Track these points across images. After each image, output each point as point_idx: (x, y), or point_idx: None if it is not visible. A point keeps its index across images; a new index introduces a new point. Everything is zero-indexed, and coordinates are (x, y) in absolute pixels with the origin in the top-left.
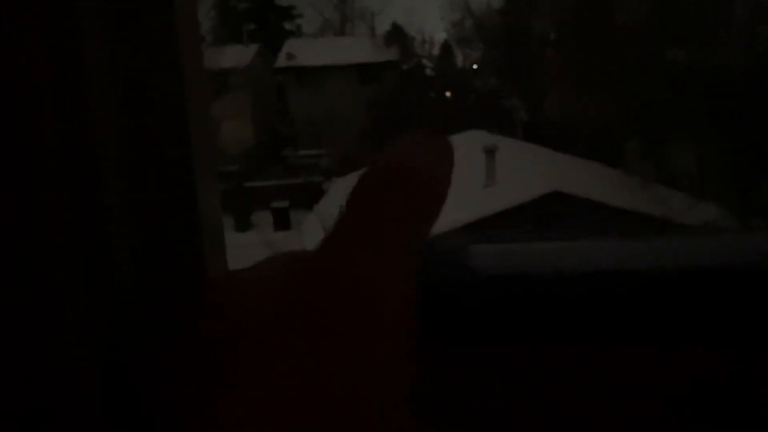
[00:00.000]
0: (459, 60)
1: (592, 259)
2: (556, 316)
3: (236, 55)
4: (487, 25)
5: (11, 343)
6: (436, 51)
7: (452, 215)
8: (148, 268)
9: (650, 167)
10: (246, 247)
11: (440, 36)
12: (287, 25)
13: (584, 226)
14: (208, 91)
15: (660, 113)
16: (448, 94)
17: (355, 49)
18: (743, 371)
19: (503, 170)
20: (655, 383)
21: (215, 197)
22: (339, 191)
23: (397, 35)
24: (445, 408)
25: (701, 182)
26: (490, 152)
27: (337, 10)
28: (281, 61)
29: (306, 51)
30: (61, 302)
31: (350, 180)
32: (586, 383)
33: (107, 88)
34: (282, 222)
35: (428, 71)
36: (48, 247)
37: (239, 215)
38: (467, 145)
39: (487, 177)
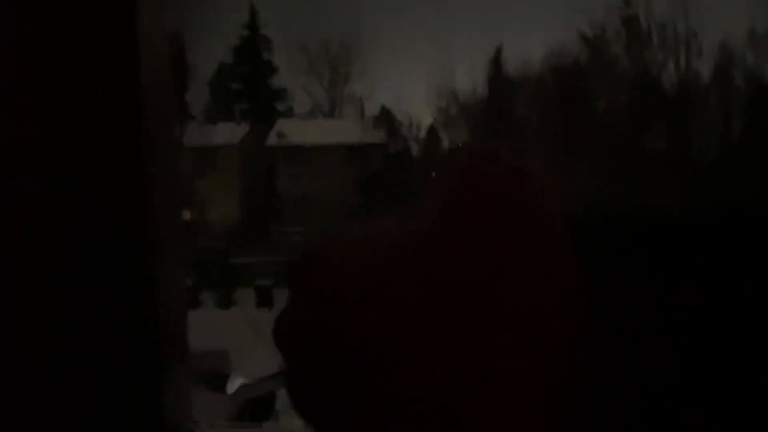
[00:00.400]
0: (445, 143)
1: None
2: None
3: (227, 133)
4: (472, 112)
5: None
6: (422, 134)
7: None
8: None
9: None
10: (227, 324)
11: (427, 120)
12: (279, 106)
13: None
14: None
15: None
16: (434, 174)
17: (343, 131)
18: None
19: None
20: None
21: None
22: None
23: (385, 119)
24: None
25: None
26: None
27: (328, 94)
28: (272, 140)
29: (297, 131)
30: None
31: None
32: None
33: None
34: (264, 300)
35: (415, 153)
36: None
37: (222, 292)
38: None
39: None
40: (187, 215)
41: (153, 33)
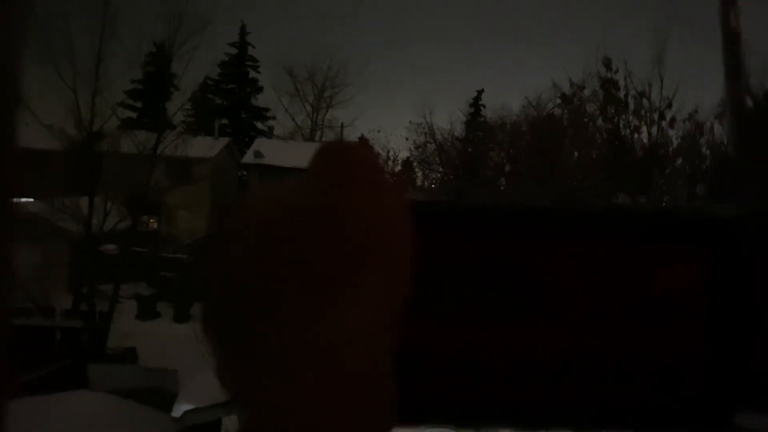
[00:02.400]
0: (419, 180)
1: None
2: None
3: (204, 147)
4: (448, 152)
5: None
6: (398, 168)
7: None
8: None
9: None
10: (180, 340)
11: (403, 154)
12: (259, 125)
13: None
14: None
15: None
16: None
17: None
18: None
19: None
20: None
21: None
22: None
23: None
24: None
25: None
26: None
27: (309, 117)
28: (249, 158)
29: (274, 151)
30: None
31: None
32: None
33: None
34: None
35: None
36: None
37: (179, 306)
38: None
39: None
40: (153, 224)
41: None
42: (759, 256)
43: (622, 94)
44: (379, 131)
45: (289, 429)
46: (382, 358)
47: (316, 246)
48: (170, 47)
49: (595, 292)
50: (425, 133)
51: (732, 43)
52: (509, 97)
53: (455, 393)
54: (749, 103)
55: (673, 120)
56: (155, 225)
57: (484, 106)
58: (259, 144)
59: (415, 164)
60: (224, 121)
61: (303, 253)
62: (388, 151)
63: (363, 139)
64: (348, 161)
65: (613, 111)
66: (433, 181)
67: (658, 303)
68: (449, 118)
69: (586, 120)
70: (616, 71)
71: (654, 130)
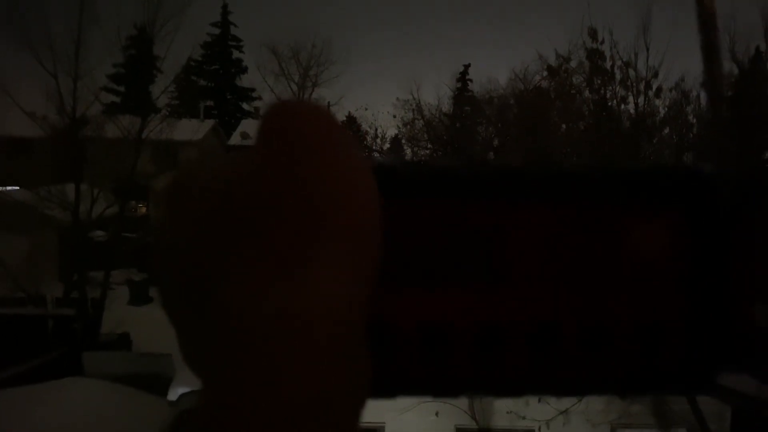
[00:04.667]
0: (408, 156)
1: None
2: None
3: (190, 130)
4: (436, 128)
5: None
6: (386, 146)
7: None
8: None
9: None
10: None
11: (392, 132)
12: (245, 106)
13: None
14: None
15: None
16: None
17: None
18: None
19: None
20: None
21: None
22: None
23: (350, 127)
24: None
25: None
26: None
27: (295, 96)
28: (235, 139)
29: None
30: None
31: None
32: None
33: None
34: None
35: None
36: None
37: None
38: None
39: None
40: (141, 209)
41: None
42: (736, 213)
43: (608, 64)
44: (366, 109)
45: (246, 406)
46: (354, 330)
47: (268, 215)
48: (151, 29)
49: (567, 256)
50: (413, 110)
51: (707, 21)
52: (496, 70)
53: (426, 363)
54: (735, 69)
55: (659, 89)
56: (144, 210)
57: (471, 80)
58: (246, 125)
59: (403, 141)
60: (209, 102)
61: (252, 223)
62: (376, 129)
63: (350, 118)
64: (301, 121)
65: (599, 82)
66: (423, 158)
67: (634, 265)
68: (436, 94)
69: (573, 92)
70: (602, 42)
71: (641, 100)
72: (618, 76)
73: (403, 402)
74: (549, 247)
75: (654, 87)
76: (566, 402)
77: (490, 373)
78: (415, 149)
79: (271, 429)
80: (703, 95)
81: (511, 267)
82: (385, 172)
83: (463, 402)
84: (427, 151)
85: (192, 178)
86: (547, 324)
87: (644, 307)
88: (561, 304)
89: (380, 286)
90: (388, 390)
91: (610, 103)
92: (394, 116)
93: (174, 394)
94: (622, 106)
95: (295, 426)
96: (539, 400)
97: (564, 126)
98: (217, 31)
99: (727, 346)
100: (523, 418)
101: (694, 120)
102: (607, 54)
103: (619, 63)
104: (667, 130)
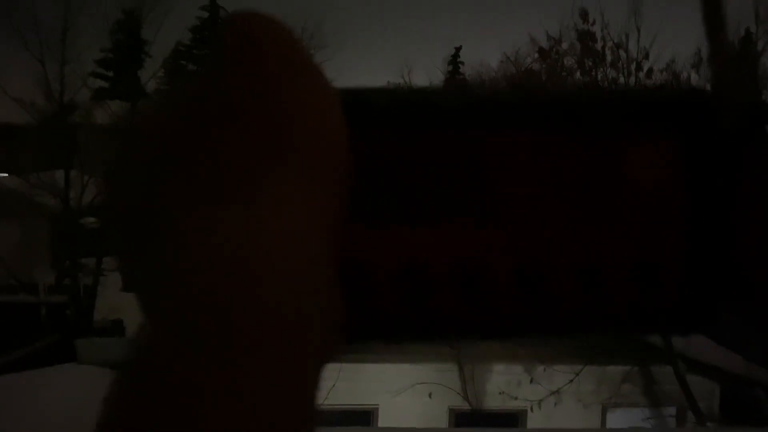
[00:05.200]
0: None
1: None
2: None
3: None
4: None
5: None
6: None
7: None
8: None
9: None
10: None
11: None
12: None
13: None
14: None
15: None
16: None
17: None
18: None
19: None
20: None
21: None
22: None
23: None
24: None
25: None
26: None
27: None
28: None
29: None
30: None
31: None
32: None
33: None
34: None
35: None
36: None
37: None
38: None
39: None
40: None
41: None
42: (741, 140)
43: (599, 46)
44: None
45: (196, 345)
46: (319, 266)
47: (223, 133)
48: (139, 13)
49: (557, 189)
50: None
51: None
52: (487, 52)
53: (405, 306)
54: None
55: (650, 71)
56: None
57: (462, 63)
58: None
59: None
60: None
61: (205, 141)
62: None
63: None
64: (257, 35)
65: (590, 64)
66: None
67: (629, 198)
68: (428, 77)
69: (564, 74)
70: (593, 23)
71: (632, 80)
72: (609, 58)
73: (397, 384)
74: (537, 178)
75: (645, 68)
76: (558, 382)
77: (474, 314)
78: None
79: (223, 369)
80: (693, 77)
81: (497, 201)
82: (355, 99)
83: (456, 383)
84: None
85: (151, 108)
86: (536, 261)
87: (640, 242)
88: (551, 240)
89: (354, 224)
90: (364, 334)
91: (601, 85)
92: None
93: None
94: (613, 88)
95: (251, 368)
96: (531, 381)
97: None
98: (206, 14)
99: (727, 284)
100: (515, 398)
101: None
102: (598, 35)
103: (610, 44)
104: None
